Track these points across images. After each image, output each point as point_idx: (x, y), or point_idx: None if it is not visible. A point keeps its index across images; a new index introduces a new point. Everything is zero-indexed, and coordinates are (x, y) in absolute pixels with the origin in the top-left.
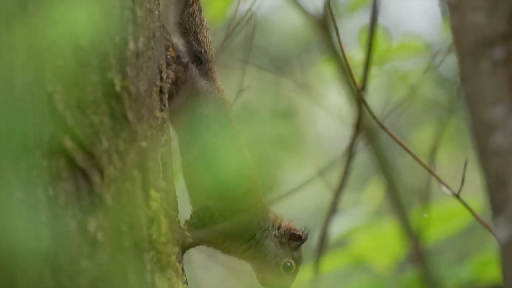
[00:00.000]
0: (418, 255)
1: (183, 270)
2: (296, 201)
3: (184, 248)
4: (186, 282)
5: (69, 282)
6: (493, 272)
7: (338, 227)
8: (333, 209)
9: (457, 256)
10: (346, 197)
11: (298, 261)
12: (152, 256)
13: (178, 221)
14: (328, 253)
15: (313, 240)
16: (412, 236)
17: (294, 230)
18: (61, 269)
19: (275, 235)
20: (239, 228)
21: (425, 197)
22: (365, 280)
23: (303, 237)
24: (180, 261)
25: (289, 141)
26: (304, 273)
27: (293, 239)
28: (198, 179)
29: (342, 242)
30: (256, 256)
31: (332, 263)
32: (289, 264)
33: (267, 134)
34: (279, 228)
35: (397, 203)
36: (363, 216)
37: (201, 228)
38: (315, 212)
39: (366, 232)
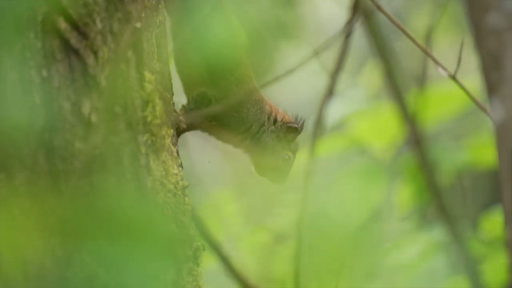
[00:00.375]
0: (415, 138)
1: (177, 153)
2: (292, 84)
3: (179, 132)
4: (181, 165)
5: (63, 165)
6: (490, 154)
7: (335, 111)
8: (329, 92)
9: (454, 139)
10: (343, 80)
11: (295, 150)
12: (147, 139)
13: (173, 103)
14: (325, 137)
15: (310, 124)
16: (409, 119)
17: (290, 122)
18: (55, 151)
19: (271, 130)
20: (234, 117)
21: (421, 80)
22: (363, 163)
23: (299, 129)
24: (175, 143)
25: (289, 26)
26: (300, 157)
27: (290, 132)
28: (191, 64)
29: (339, 126)
30: (253, 149)
31: (329, 146)
32: (287, 156)
33: (266, 18)
34: (275, 122)
35: (394, 86)
36: (360, 99)
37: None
38: (311, 95)
39: (364, 116)
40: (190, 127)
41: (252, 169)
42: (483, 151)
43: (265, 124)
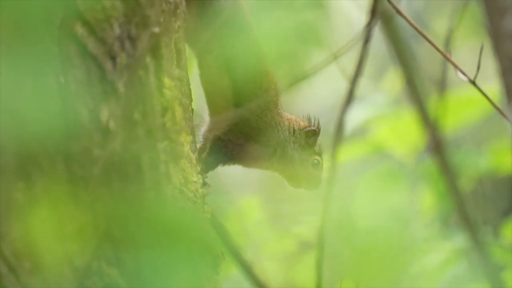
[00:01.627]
0: (436, 144)
1: (197, 160)
2: (313, 90)
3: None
4: (200, 173)
5: (82, 171)
6: (510, 160)
7: (356, 116)
8: (349, 97)
9: (475, 145)
10: (364, 85)
11: (321, 152)
12: (166, 146)
13: (192, 109)
14: (346, 142)
15: (331, 129)
16: (430, 125)
17: (307, 127)
18: (74, 158)
19: (293, 141)
20: (259, 148)
21: (442, 85)
22: (385, 168)
23: (317, 130)
24: (194, 151)
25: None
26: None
27: (309, 136)
28: (213, 80)
29: (361, 131)
30: (283, 166)
31: (351, 151)
32: (316, 161)
33: (294, 23)
34: (294, 132)
35: (415, 91)
36: (381, 104)
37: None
38: (332, 101)
39: (385, 121)
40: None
41: (287, 185)
42: (503, 157)
43: (287, 138)
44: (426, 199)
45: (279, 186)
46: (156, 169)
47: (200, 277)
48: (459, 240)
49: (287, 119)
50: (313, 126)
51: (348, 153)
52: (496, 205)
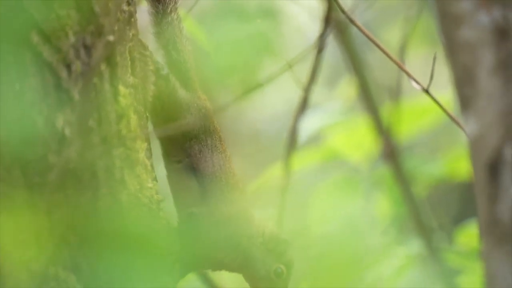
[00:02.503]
0: (390, 151)
1: (152, 166)
2: (267, 98)
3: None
4: (155, 179)
5: (38, 178)
6: (464, 167)
7: (310, 124)
8: (303, 105)
9: (429, 153)
10: (318, 94)
11: (289, 264)
12: (121, 153)
13: (147, 116)
14: (300, 149)
15: (284, 137)
16: (384, 132)
17: (278, 234)
18: (30, 165)
19: (260, 242)
20: (223, 237)
21: (395, 94)
22: (340, 175)
23: (288, 241)
24: (149, 157)
25: (272, 40)
26: (275, 170)
27: (279, 244)
28: (182, 186)
29: (316, 139)
30: (245, 266)
31: (305, 159)
32: (279, 270)
33: (246, 32)
34: (263, 234)
35: (369, 99)
36: (335, 112)
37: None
38: (286, 109)
39: (339, 128)
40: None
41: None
42: (457, 164)
43: (254, 236)
44: (381, 206)
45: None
46: (112, 175)
47: (158, 284)
48: (414, 246)
49: (258, 220)
50: (286, 237)
51: (302, 161)
52: (450, 212)
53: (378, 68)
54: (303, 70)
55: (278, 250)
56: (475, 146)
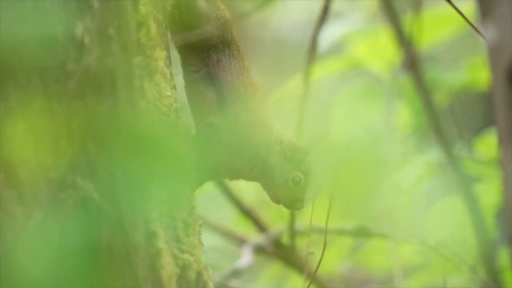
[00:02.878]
0: (411, 61)
1: (171, 75)
2: (289, 8)
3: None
4: (174, 88)
5: (57, 85)
6: (485, 76)
7: (332, 32)
8: (324, 13)
9: (450, 62)
10: (340, 3)
11: (307, 173)
12: (140, 61)
13: (166, 25)
14: (321, 58)
15: (305, 45)
16: (406, 42)
17: (297, 142)
18: (49, 72)
19: (278, 151)
20: (242, 144)
21: (417, 3)
22: (361, 85)
23: (307, 148)
24: (168, 66)
25: None
26: (296, 80)
27: (297, 152)
28: (200, 96)
29: (337, 48)
30: (263, 175)
31: (326, 68)
32: (297, 178)
33: None
34: (281, 142)
35: (391, 8)
36: (357, 21)
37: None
38: (308, 17)
39: (361, 38)
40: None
41: (267, 198)
42: (478, 73)
43: (272, 145)
44: (402, 116)
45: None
46: (131, 83)
47: (175, 191)
48: (434, 155)
49: (276, 128)
50: (305, 144)
51: (323, 70)
52: (470, 121)
53: None
54: None
55: (296, 159)
56: (494, 53)
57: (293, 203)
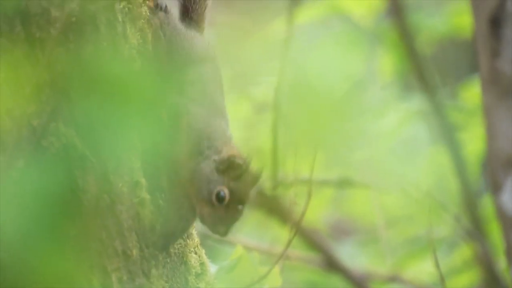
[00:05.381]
0: (395, 6)
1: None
2: None
3: None
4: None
5: (39, 32)
6: (469, 23)
7: None
8: None
9: (434, 8)
10: None
11: (236, 192)
12: (124, 6)
13: None
14: (304, 3)
15: None
16: None
17: (235, 157)
18: (32, 19)
19: (214, 160)
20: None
21: None
22: (344, 30)
23: (244, 166)
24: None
25: None
26: (278, 24)
27: (232, 167)
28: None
29: None
30: (193, 182)
31: (308, 13)
32: (222, 194)
33: None
34: (220, 152)
35: None
36: None
37: None
38: None
39: None
40: None
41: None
42: (461, 20)
43: (211, 149)
44: (385, 62)
45: (235, 46)
46: (114, 29)
47: (156, 135)
48: (417, 102)
49: (225, 141)
50: (242, 161)
51: (306, 15)
52: (453, 68)
53: None
54: None
55: (229, 174)
56: (477, 0)
57: (216, 225)
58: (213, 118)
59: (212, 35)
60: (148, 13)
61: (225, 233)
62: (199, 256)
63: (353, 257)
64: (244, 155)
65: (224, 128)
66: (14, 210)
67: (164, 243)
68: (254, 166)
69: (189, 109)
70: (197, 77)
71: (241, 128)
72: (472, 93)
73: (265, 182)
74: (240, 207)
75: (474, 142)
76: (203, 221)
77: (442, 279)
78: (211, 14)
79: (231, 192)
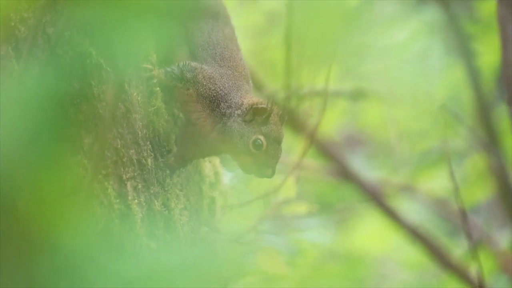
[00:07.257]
0: None
1: None
2: None
3: None
4: None
5: None
6: None
7: None
8: None
9: None
10: None
11: (270, 135)
12: None
13: None
14: None
15: None
16: None
17: (257, 104)
18: None
19: (238, 114)
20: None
21: None
22: None
23: (268, 108)
24: None
25: None
26: None
27: (257, 113)
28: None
29: None
30: (226, 141)
31: None
32: (259, 141)
33: None
34: (241, 105)
35: None
36: None
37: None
38: None
39: None
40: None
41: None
42: None
43: (232, 108)
44: None
45: None
46: None
47: (173, 47)
48: (431, 14)
49: (242, 95)
50: (265, 105)
51: None
52: None
53: None
54: None
55: (257, 121)
56: None
57: (261, 171)
58: (226, 78)
59: None
60: None
61: (272, 175)
62: (213, 166)
63: (366, 168)
64: (264, 99)
65: (239, 84)
66: (28, 117)
67: (181, 164)
68: (276, 105)
69: (203, 68)
70: (212, 34)
71: (252, 39)
72: (487, 4)
73: (279, 93)
74: (278, 146)
75: (488, 53)
76: (247, 171)
77: (456, 189)
78: None
79: (265, 136)
